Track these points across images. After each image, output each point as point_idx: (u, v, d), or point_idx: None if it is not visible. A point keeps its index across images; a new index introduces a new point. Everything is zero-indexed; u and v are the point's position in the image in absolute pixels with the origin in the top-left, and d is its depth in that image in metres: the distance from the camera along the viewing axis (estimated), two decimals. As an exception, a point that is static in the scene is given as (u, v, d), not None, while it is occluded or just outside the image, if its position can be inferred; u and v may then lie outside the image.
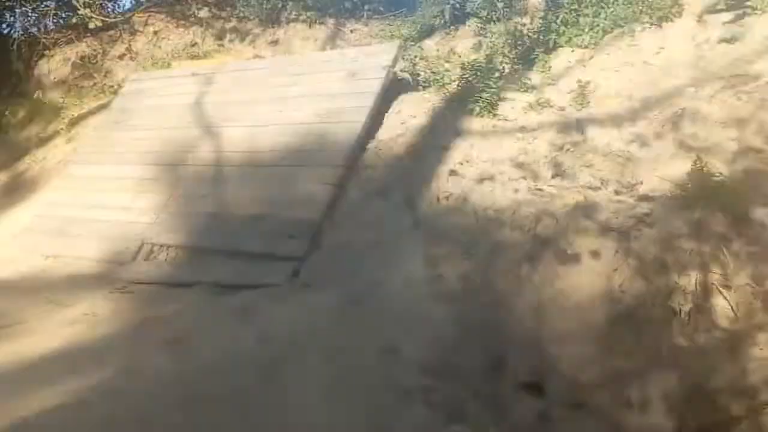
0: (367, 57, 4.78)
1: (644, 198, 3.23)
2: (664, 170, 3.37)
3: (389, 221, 3.65)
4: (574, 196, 3.32)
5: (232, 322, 3.13)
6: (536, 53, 4.72)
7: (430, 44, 5.40)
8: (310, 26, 7.15)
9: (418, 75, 4.72)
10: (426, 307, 3.09)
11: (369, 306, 3.14)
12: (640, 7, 4.54)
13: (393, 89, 4.57)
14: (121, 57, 7.72)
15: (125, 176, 4.92)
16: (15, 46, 7.99)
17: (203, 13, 7.90)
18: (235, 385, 2.54)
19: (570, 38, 4.72)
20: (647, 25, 4.48)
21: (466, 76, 4.31)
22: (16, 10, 8.49)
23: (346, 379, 2.65)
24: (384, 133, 4.20)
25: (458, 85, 4.38)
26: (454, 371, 2.74)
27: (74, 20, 7.76)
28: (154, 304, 3.53)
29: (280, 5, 7.35)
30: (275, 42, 7.27)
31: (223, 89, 5.28)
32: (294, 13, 7.30)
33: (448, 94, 4.41)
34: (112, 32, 7.92)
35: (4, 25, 9.08)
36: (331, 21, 7.11)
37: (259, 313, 3.19)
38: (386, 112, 4.37)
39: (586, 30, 4.68)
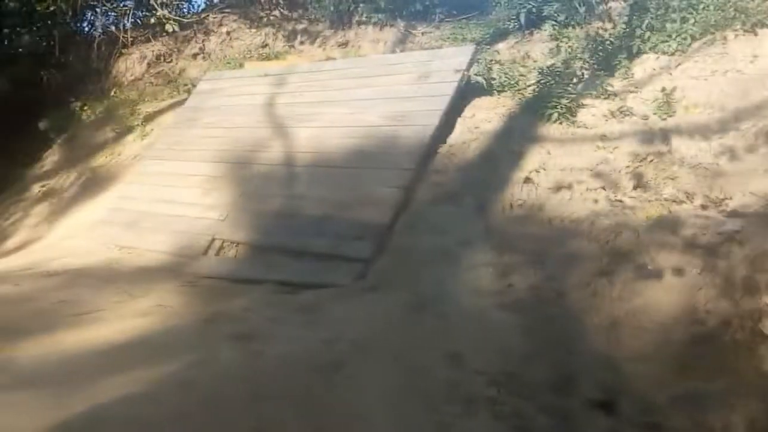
0: (439, 60, 4.74)
1: (734, 214, 3.08)
2: (757, 185, 3.21)
3: (458, 227, 3.59)
4: (657, 210, 3.19)
5: (298, 321, 3.11)
6: (618, 59, 4.58)
7: (503, 48, 5.31)
8: (380, 29, 7.15)
9: (493, 79, 4.64)
10: (493, 316, 3.01)
11: (435, 311, 3.08)
12: (733, 13, 4.35)
13: (466, 93, 4.51)
14: (194, 56, 7.88)
15: (196, 173, 4.98)
16: (95, 45, 8.25)
17: (275, 14, 7.98)
18: (299, 385, 2.51)
19: (655, 44, 4.57)
20: (740, 32, 4.30)
21: (544, 81, 4.21)
22: (97, 9, 8.77)
23: (410, 385, 2.58)
24: (456, 137, 4.14)
25: (534, 90, 4.29)
26: (521, 384, 2.65)
27: (152, 20, 7.94)
28: (223, 299, 3.54)
29: (351, 7, 7.37)
30: (345, 44, 7.30)
31: (293, 90, 5.31)
32: (365, 15, 7.31)
33: (523, 99, 4.32)
34: (186, 32, 8.09)
35: (85, 24, 9.41)
36: (401, 23, 7.08)
37: (324, 313, 3.17)
38: (458, 116, 4.30)
39: (673, 36, 4.53)
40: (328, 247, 3.78)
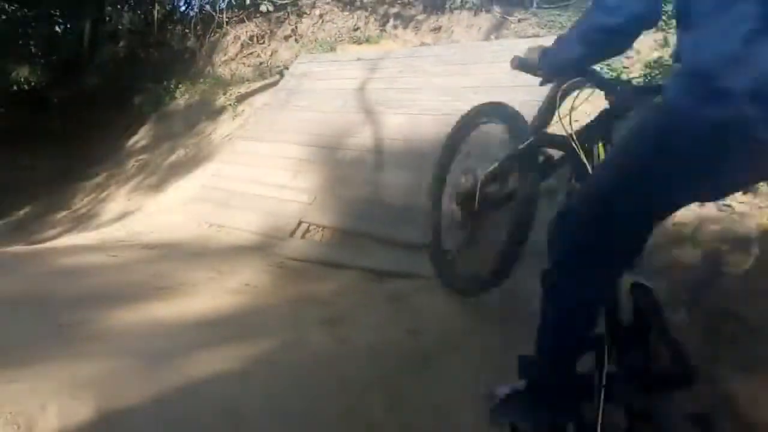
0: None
1: None
2: None
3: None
4: (769, 217, 3.02)
5: (384, 309, 3.10)
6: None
7: (605, 38, 5.11)
8: (474, 14, 7.01)
9: (594, 70, 4.46)
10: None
11: (526, 309, 3.01)
12: None
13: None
14: (286, 38, 7.96)
15: (286, 155, 5.03)
16: (192, 24, 8.46)
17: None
18: (385, 375, 2.51)
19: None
20: None
21: (650, 73, 4.03)
22: (196, -12, 9.02)
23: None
24: (555, 130, 4.01)
25: (639, 83, 4.10)
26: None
27: (247, 2, 8.07)
28: (310, 282, 3.58)
29: (446, -7, 7.28)
30: (438, 29, 7.21)
31: (387, 76, 5.28)
32: (459, 0, 7.20)
33: (626, 93, 4.14)
34: (279, 14, 8.18)
35: (182, 3, 9.68)
36: (497, 9, 6.92)
37: (411, 303, 3.15)
38: (558, 108, 4.15)
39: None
40: (416, 238, 3.73)
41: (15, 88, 9.98)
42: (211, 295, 3.30)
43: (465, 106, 4.40)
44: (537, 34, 5.84)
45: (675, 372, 1.80)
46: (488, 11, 6.96)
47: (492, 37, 6.50)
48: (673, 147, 1.57)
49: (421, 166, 4.22)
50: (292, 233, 4.29)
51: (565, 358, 1.95)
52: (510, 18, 6.72)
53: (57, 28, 10.44)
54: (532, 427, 2.02)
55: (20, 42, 10.26)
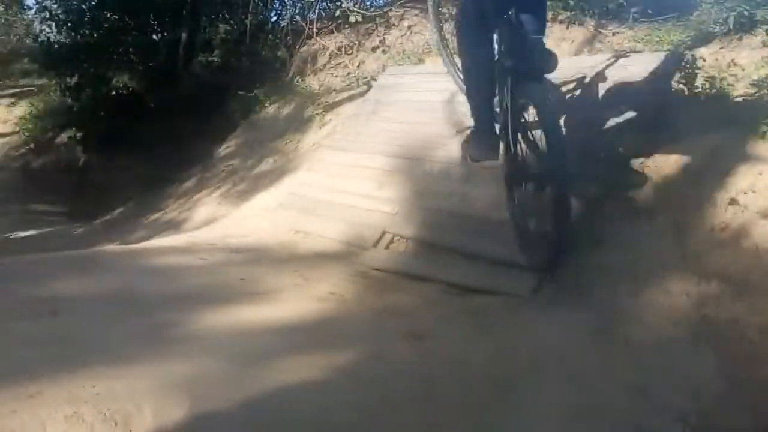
0: (636, 63, 4.49)
1: None
2: None
3: (651, 247, 3.35)
4: None
5: (469, 326, 3.07)
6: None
7: (706, 53, 4.89)
8: (567, 27, 6.88)
9: (695, 87, 4.31)
10: (685, 349, 2.78)
11: (618, 336, 2.92)
12: None
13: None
14: (374, 49, 8.02)
15: (372, 166, 5.06)
16: (282, 34, 8.66)
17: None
18: (469, 394, 2.47)
19: None
20: None
21: (756, 93, 3.84)
22: (287, 0, 9.23)
23: (587, 413, 2.44)
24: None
25: (744, 103, 3.93)
26: (714, 428, 2.43)
27: (337, 13, 8.20)
28: (393, 293, 3.58)
29: (541, 4, 7.17)
30: (528, 41, 7.12)
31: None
32: (551, 12, 7.08)
33: (731, 111, 3.96)
34: (368, 25, 8.26)
35: (273, 14, 9.93)
36: (591, 22, 6.78)
37: (496, 322, 3.10)
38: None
39: None
40: (503, 253, 3.68)
41: (114, 93, 10.46)
42: (296, 302, 3.35)
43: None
44: (633, 49, 5.67)
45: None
46: (581, 24, 6.82)
47: (585, 51, 6.37)
48: None
49: (508, 181, 4.20)
50: (376, 243, 4.31)
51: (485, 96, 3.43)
52: (604, 32, 6.57)
53: (155, 37, 10.88)
54: (478, 153, 3.65)
55: (120, 49, 10.74)
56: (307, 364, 2.52)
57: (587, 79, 4.60)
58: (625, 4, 6.64)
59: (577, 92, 4.62)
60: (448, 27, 5.29)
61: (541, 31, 3.17)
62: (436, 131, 4.97)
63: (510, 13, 3.07)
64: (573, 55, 6.42)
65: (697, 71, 4.40)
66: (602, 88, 4.43)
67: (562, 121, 3.59)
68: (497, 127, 3.42)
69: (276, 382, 2.35)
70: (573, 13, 6.85)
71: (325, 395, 2.27)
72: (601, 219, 3.65)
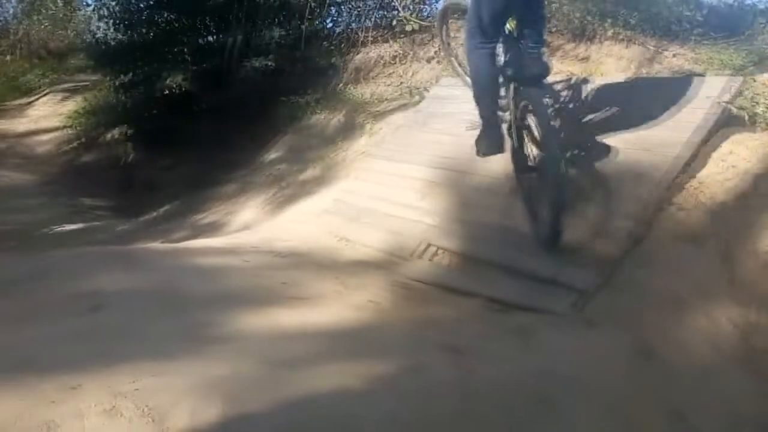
0: (696, 86, 4.39)
1: None
2: None
3: (697, 272, 3.28)
4: None
5: (509, 343, 3.02)
6: None
7: (769, 79, 4.77)
8: (626, 46, 6.76)
9: (757, 114, 4.18)
10: (728, 378, 2.72)
11: (661, 361, 2.85)
12: None
13: (724, 127, 4.10)
14: (428, 60, 7.99)
15: (416, 176, 5.03)
16: (336, 41, 8.68)
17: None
18: (507, 413, 2.42)
19: None
20: None
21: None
22: (343, 7, 9.26)
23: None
24: (705, 173, 3.79)
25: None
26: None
27: (393, 22, 8.20)
28: (433, 305, 3.54)
29: (597, 22, 7.07)
30: (585, 59, 7.00)
31: (527, 104, 5.19)
32: (611, 31, 6.98)
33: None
34: (422, 36, 8.23)
35: (329, 21, 9.98)
36: (651, 42, 6.65)
37: (538, 340, 3.04)
38: (712, 150, 3.93)
39: None
40: (546, 271, 3.63)
41: (166, 92, 10.62)
42: (336, 309, 3.34)
43: (609, 141, 4.29)
44: (693, 71, 5.54)
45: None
46: (641, 44, 6.70)
47: (643, 71, 6.25)
48: None
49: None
50: (418, 254, 4.28)
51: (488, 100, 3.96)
52: (665, 52, 6.44)
53: (210, 38, 11.01)
54: (486, 149, 4.16)
55: (174, 50, 10.90)
56: (344, 372, 2.50)
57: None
58: (687, 25, 6.52)
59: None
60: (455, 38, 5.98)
61: (540, 42, 3.80)
62: (485, 145, 4.92)
63: (511, 27, 3.69)
64: (631, 75, 6.32)
65: (759, 98, 4.28)
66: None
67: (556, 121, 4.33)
68: (504, 126, 4.06)
69: (311, 388, 2.33)
70: (633, 32, 6.74)
71: (360, 405, 2.25)
72: (649, 239, 3.57)
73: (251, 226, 5.80)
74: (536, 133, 3.67)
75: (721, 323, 2.96)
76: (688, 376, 2.76)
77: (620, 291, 3.37)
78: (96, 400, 2.01)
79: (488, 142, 4.11)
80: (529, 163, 3.91)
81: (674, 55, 6.20)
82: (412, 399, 2.35)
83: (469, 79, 4.47)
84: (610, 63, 6.61)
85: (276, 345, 2.79)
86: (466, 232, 4.27)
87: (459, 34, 5.86)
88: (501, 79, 3.97)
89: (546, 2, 5.11)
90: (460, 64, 5.59)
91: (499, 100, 4.04)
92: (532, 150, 3.85)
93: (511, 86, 3.85)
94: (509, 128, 4.00)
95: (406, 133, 5.84)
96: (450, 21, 5.87)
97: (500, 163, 4.63)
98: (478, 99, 4.02)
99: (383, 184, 5.21)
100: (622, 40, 6.69)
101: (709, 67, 5.60)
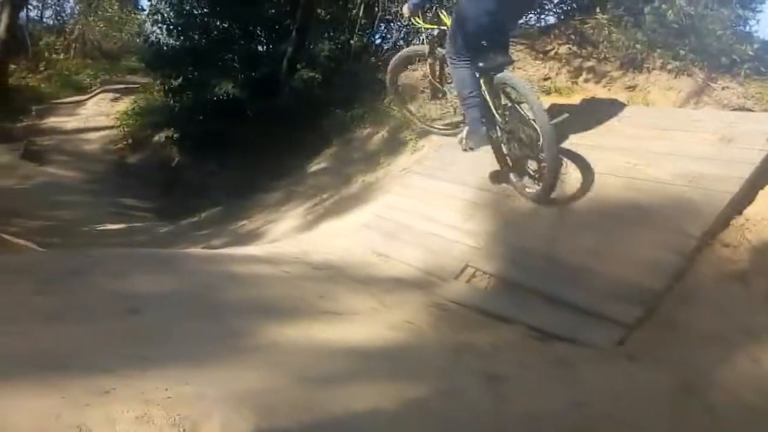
0: (748, 122, 4.28)
1: None
2: None
3: (743, 312, 3.17)
4: None
5: (547, 373, 2.95)
6: None
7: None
8: (675, 76, 6.67)
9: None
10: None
11: (701, 401, 2.75)
12: None
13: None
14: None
15: (459, 196, 4.98)
16: (385, 57, 8.71)
17: (563, 49, 7.82)
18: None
19: None
20: None
21: None
22: (392, 24, 9.31)
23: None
24: (755, 211, 3.68)
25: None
26: None
27: (437, 39, 8.18)
28: (471, 330, 3.48)
29: (646, 51, 6.98)
30: (632, 87, 6.92)
31: (575, 130, 5.11)
32: (660, 60, 6.89)
33: None
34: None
35: (377, 37, 10.04)
36: (700, 74, 6.55)
37: (577, 373, 2.96)
38: (762, 188, 3.83)
39: None
40: (587, 302, 3.55)
41: (215, 98, 10.76)
42: (372, 326, 3.31)
43: (656, 172, 4.21)
44: (743, 106, 5.43)
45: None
46: (690, 75, 6.60)
47: (692, 103, 6.15)
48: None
49: (602, 228, 4.04)
50: (457, 276, 4.22)
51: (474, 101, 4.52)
52: (714, 85, 6.33)
53: (260, 48, 11.17)
54: (474, 143, 4.71)
55: (225, 57, 11.07)
56: (377, 392, 2.47)
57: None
58: (737, 58, 6.40)
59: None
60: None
61: (507, 52, 4.68)
62: (530, 168, 4.87)
63: (484, 43, 4.45)
64: (678, 106, 6.22)
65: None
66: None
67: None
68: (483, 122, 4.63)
69: (344, 407, 2.30)
70: (682, 63, 6.64)
71: (393, 427, 2.21)
72: (692, 275, 3.47)
73: (291, 236, 5.82)
74: (522, 108, 4.40)
75: (766, 367, 2.86)
76: (731, 418, 2.66)
77: (662, 326, 3.27)
78: (128, 406, 2.01)
79: (477, 137, 4.68)
80: (514, 134, 4.52)
81: (723, 88, 6.10)
82: (444, 424, 2.32)
83: (421, 124, 6.03)
84: (656, 92, 6.52)
85: (310, 360, 2.76)
86: (507, 257, 4.20)
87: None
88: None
89: (515, 29, 5.87)
90: (410, 112, 6.34)
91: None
92: (515, 124, 4.47)
93: (485, 78, 4.52)
94: (488, 122, 4.63)
95: (449, 152, 5.79)
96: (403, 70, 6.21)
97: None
98: (466, 102, 4.63)
99: (424, 202, 5.17)
100: (671, 70, 6.60)
101: (758, 102, 5.49)
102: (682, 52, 6.64)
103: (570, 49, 7.75)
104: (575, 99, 6.52)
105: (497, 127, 4.61)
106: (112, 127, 14.92)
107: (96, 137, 14.68)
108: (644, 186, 4.15)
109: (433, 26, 5.07)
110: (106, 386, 2.10)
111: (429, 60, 5.46)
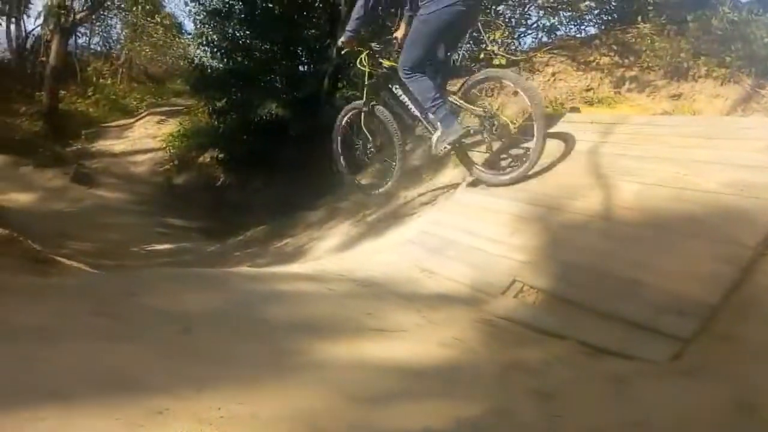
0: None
1: None
2: None
3: (804, 326, 3.07)
4: None
5: (601, 390, 2.88)
6: None
7: None
8: (721, 84, 6.56)
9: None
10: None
11: (763, 418, 2.66)
12: None
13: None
14: (515, 93, 7.90)
15: (505, 210, 4.95)
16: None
17: (605, 60, 7.75)
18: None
19: None
20: None
21: None
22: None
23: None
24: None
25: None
26: None
27: (481, 55, 8.19)
28: (521, 346, 3.43)
29: (691, 60, 6.88)
30: (677, 96, 6.82)
31: (621, 141, 5.05)
32: (705, 68, 6.77)
33: None
34: (511, 69, 8.17)
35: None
36: (747, 81, 6.41)
37: (631, 389, 2.89)
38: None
39: None
40: (640, 316, 3.47)
41: (258, 119, 10.91)
42: (420, 344, 3.29)
43: (705, 182, 4.12)
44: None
45: None
46: (737, 82, 6.47)
47: (739, 110, 6.02)
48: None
49: (653, 240, 3.96)
50: (504, 292, 4.17)
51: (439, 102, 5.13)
52: (762, 92, 6.20)
53: (302, 68, 11.30)
54: (452, 137, 5.21)
55: (268, 78, 11.22)
56: (429, 411, 2.45)
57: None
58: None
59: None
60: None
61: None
62: (577, 182, 4.81)
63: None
64: (725, 114, 6.10)
65: None
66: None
67: None
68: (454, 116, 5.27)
69: (396, 427, 2.29)
70: (729, 70, 6.52)
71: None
72: (749, 286, 3.37)
73: (335, 253, 5.83)
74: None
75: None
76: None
77: (719, 340, 3.17)
78: (182, 427, 2.02)
79: (453, 130, 5.17)
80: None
81: (771, 95, 5.98)
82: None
83: (378, 190, 5.98)
84: (702, 101, 6.40)
85: (361, 378, 2.76)
86: (556, 271, 4.13)
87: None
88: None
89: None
90: (358, 183, 6.37)
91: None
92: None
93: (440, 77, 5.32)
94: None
95: (494, 166, 5.76)
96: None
97: (592, 201, 4.52)
98: (433, 105, 5.11)
99: (468, 217, 5.15)
100: (717, 77, 6.49)
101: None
102: (728, 59, 6.52)
103: (612, 59, 7.68)
104: (619, 109, 6.45)
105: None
106: (158, 149, 15.23)
107: (143, 159, 14.99)
108: (694, 196, 4.07)
109: (374, 68, 5.47)
110: (161, 406, 2.12)
111: (364, 110, 5.64)
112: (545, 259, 4.28)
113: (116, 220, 10.89)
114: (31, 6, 18.93)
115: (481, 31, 8.11)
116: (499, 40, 8.24)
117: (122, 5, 20.83)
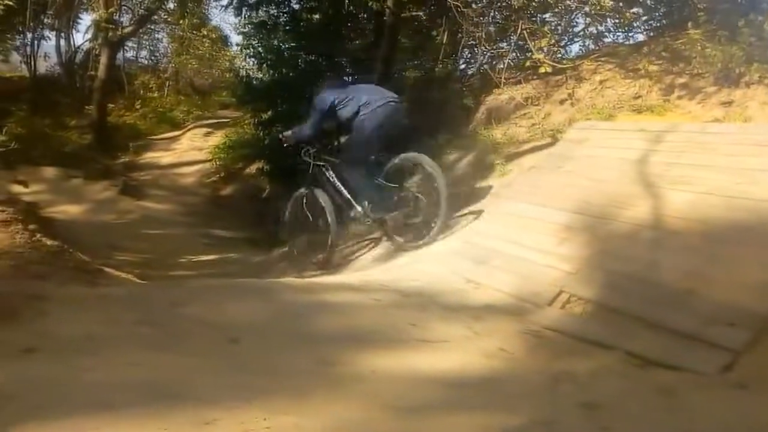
0: None
1: None
2: None
3: None
4: None
5: (650, 402, 2.82)
6: None
7: None
8: (776, 91, 6.38)
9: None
10: None
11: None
12: None
13: None
14: (561, 102, 7.85)
15: (551, 220, 4.91)
16: (470, 82, 8.72)
17: (653, 67, 7.61)
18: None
19: None
20: None
21: None
22: (476, 49, 9.30)
23: None
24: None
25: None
26: None
27: (526, 63, 8.14)
28: (568, 357, 3.38)
29: (742, 65, 6.71)
30: (729, 103, 6.65)
31: (671, 149, 4.97)
32: (757, 75, 6.60)
33: None
34: (558, 77, 8.13)
35: (462, 62, 10.05)
36: (802, 85, 6.24)
37: (682, 401, 2.81)
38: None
39: None
40: (690, 327, 3.39)
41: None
42: (464, 354, 3.27)
43: (759, 190, 4.01)
44: None
45: None
46: (793, 89, 6.30)
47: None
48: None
49: (703, 250, 3.87)
50: (550, 302, 4.12)
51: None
52: (821, 99, 6.02)
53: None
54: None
55: (314, 89, 11.29)
56: (474, 423, 2.42)
57: None
58: None
59: None
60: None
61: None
62: (624, 190, 4.74)
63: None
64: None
65: None
66: None
67: None
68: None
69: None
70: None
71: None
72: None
73: (381, 263, 5.84)
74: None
75: None
76: None
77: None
78: (229, 437, 2.04)
79: (376, 211, 6.19)
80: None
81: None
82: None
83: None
84: (755, 108, 6.23)
85: (406, 389, 2.75)
86: (604, 281, 4.08)
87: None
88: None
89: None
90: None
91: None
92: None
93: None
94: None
95: (539, 175, 5.73)
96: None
97: (641, 210, 4.45)
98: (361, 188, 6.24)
99: (515, 227, 5.11)
100: (769, 84, 6.32)
101: None
102: (783, 65, 6.36)
103: (661, 66, 7.55)
104: (669, 117, 6.33)
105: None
106: (205, 161, 15.44)
107: (190, 171, 15.22)
108: (747, 205, 3.98)
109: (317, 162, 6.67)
110: (208, 417, 2.13)
111: (306, 192, 6.83)
112: (593, 269, 4.22)
113: (163, 232, 11.05)
114: (80, 21, 19.41)
115: (527, 39, 8.05)
116: (545, 48, 8.16)
117: (169, 19, 21.22)
